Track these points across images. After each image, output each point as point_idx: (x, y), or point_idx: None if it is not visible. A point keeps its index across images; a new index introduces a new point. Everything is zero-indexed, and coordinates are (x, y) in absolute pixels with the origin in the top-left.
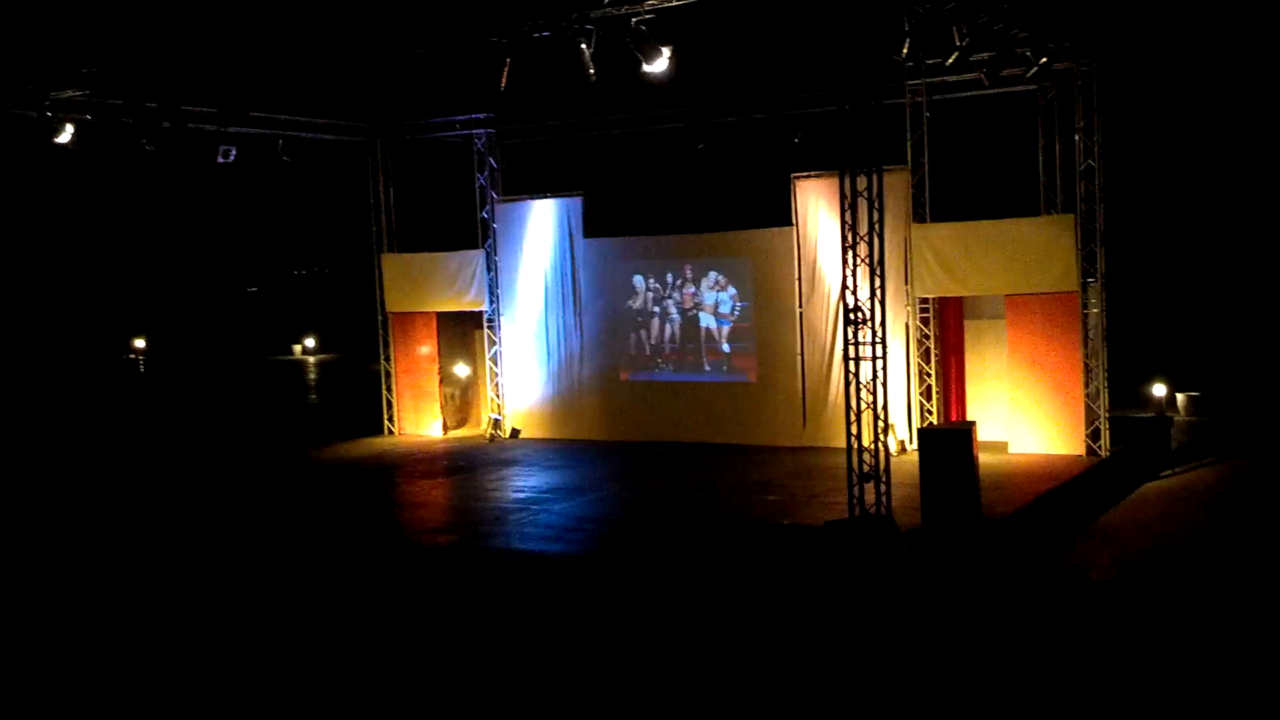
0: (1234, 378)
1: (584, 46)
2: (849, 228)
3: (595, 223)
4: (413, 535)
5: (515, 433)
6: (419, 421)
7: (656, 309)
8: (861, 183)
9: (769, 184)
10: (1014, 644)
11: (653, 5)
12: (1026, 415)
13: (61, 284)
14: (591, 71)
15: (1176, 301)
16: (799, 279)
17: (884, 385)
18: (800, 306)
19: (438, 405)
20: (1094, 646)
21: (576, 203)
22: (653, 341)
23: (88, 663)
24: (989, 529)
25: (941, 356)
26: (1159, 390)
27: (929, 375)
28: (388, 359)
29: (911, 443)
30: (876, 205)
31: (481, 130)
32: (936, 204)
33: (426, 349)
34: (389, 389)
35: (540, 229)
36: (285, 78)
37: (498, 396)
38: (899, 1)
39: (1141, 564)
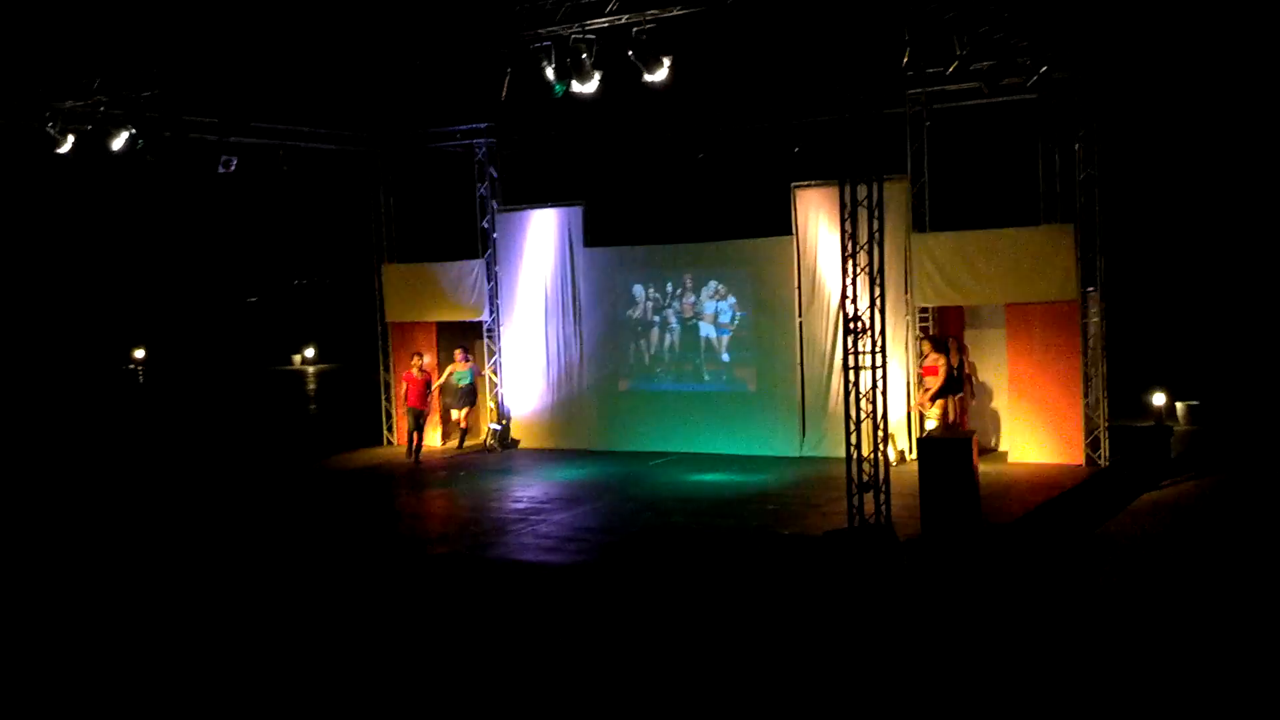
0: (1233, 387)
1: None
2: (849, 237)
3: (595, 232)
4: (412, 545)
5: (514, 442)
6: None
7: (656, 318)
8: (861, 192)
9: (769, 194)
10: (1014, 653)
11: (654, 15)
12: (1026, 425)
13: (61, 294)
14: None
15: (1176, 311)
16: (799, 288)
17: (884, 395)
18: (800, 316)
19: (437, 415)
20: (1093, 655)
21: (576, 212)
22: (652, 351)
23: (88, 665)
24: (989, 538)
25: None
26: (1158, 399)
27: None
28: (387, 369)
29: (911, 452)
30: (876, 214)
31: (482, 140)
32: (936, 213)
33: (428, 358)
34: (388, 399)
35: (540, 239)
36: (286, 88)
37: (497, 406)
38: (899, 11)
39: (1141, 573)
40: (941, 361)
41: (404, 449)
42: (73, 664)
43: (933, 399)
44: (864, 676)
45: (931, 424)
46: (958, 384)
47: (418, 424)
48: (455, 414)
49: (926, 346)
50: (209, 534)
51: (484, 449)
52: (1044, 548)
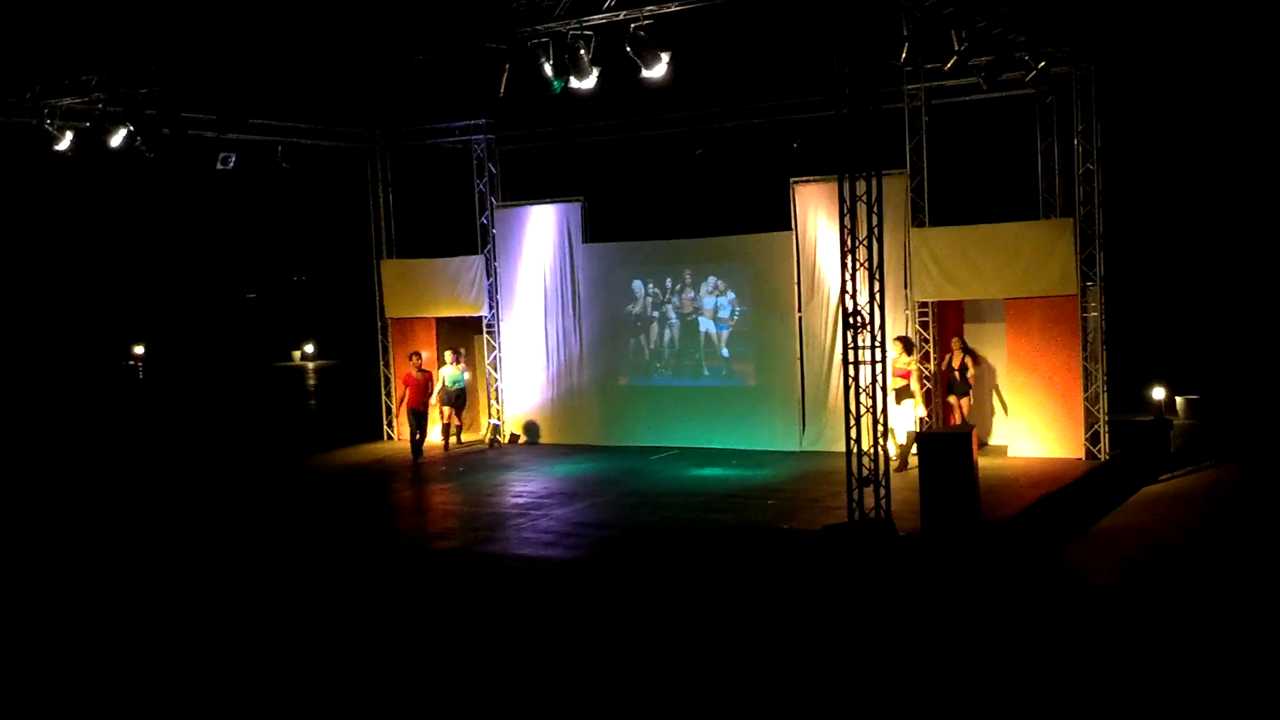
0: (1233, 381)
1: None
2: (848, 232)
3: (594, 228)
4: (412, 540)
5: (514, 438)
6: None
7: (655, 314)
8: (860, 187)
9: (768, 189)
10: (1013, 647)
11: (652, 11)
12: (1025, 419)
13: (61, 290)
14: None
15: (1176, 305)
16: (798, 283)
17: (883, 389)
18: (799, 311)
19: (437, 411)
20: (1093, 650)
21: (575, 208)
22: (652, 346)
23: (87, 664)
24: (988, 533)
25: (940, 360)
26: (1158, 393)
27: (928, 380)
28: (387, 364)
29: (912, 449)
30: (875, 210)
31: (481, 136)
32: (935, 208)
33: (426, 354)
34: (388, 394)
35: (539, 234)
36: (285, 85)
37: (497, 402)
38: (897, 6)
39: (1141, 567)
40: (913, 366)
41: (407, 446)
42: (67, 661)
43: (899, 401)
44: (863, 669)
45: (908, 427)
46: (963, 386)
47: (419, 424)
48: (446, 412)
49: (898, 348)
50: (210, 530)
51: (489, 445)
52: (1043, 543)
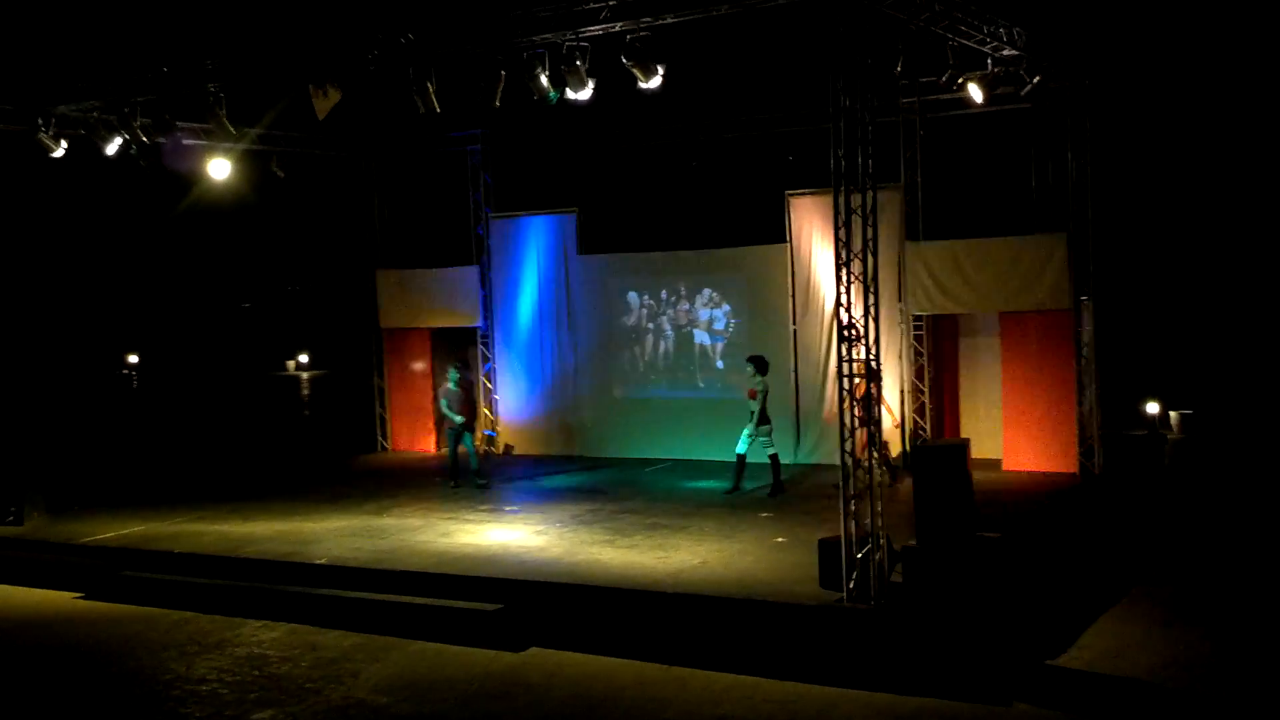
0: (1228, 396)
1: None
2: (843, 245)
3: (589, 239)
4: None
5: (509, 449)
6: (412, 438)
7: (650, 326)
8: (855, 200)
9: (763, 201)
10: (1007, 657)
11: (648, 23)
12: (1020, 433)
13: (54, 298)
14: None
15: (1171, 319)
16: (793, 296)
17: (878, 403)
18: (794, 324)
19: (431, 421)
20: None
21: (570, 219)
22: (646, 358)
23: None
24: (983, 546)
25: (935, 374)
26: (1152, 408)
27: (923, 393)
28: (381, 375)
29: (905, 460)
30: (870, 223)
31: (475, 146)
32: (930, 221)
33: (420, 365)
34: (382, 405)
35: (534, 245)
36: (278, 93)
37: (491, 413)
38: (892, 20)
39: (1134, 578)
40: (760, 384)
41: (401, 456)
42: None
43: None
44: (859, 681)
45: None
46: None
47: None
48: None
49: (751, 367)
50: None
51: (482, 456)
52: (1037, 556)
